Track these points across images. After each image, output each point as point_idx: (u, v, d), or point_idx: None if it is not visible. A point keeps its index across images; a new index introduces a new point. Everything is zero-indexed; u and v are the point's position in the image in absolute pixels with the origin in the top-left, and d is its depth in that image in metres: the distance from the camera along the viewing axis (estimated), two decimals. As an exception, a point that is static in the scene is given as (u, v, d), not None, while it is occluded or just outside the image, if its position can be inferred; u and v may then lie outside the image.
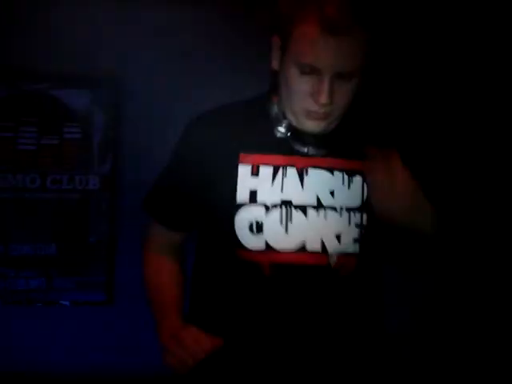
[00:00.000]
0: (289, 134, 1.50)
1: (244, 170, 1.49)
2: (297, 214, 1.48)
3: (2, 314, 3.30)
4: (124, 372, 3.34)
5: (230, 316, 1.56)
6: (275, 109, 1.53)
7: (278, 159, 1.49)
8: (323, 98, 1.37)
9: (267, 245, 1.48)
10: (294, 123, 1.50)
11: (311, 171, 1.50)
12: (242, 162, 1.50)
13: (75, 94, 3.39)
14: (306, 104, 1.42)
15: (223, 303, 1.58)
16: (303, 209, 1.48)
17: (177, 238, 1.73)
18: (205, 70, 3.52)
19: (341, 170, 1.52)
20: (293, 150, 1.51)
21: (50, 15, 3.39)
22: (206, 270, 1.65)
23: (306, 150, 1.50)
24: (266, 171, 1.49)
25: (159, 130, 3.47)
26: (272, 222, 1.48)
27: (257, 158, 1.49)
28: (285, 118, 1.52)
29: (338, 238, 1.50)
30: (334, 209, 1.49)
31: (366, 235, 1.52)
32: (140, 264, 3.22)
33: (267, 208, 1.48)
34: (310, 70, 1.38)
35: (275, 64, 1.48)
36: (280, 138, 1.51)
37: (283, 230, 1.47)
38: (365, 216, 1.51)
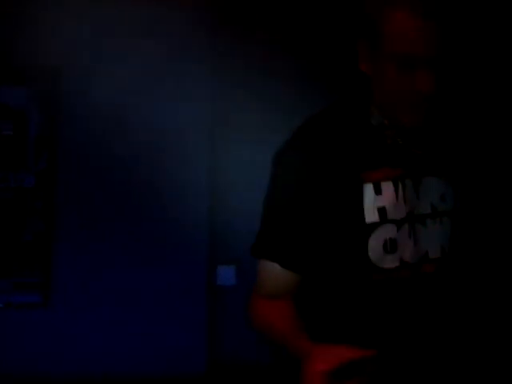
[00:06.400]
0: (399, 140, 1.48)
1: (368, 189, 1.46)
2: (419, 225, 1.49)
3: None
4: (58, 375, 3.26)
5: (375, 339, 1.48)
6: (377, 118, 1.50)
7: (394, 172, 1.47)
8: (428, 86, 1.37)
9: (401, 261, 1.47)
10: (391, 124, 1.48)
11: (423, 179, 1.50)
12: (364, 182, 1.46)
13: (11, 91, 3.31)
14: (407, 97, 1.40)
15: (361, 328, 1.51)
16: (423, 219, 1.49)
17: (293, 285, 1.51)
18: (146, 71, 3.49)
19: (443, 174, 1.53)
20: (401, 159, 1.49)
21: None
22: (332, 302, 1.54)
23: (415, 151, 1.49)
24: (387, 187, 1.46)
25: (97, 128, 3.42)
26: (403, 237, 1.47)
27: (375, 174, 1.46)
28: (386, 124, 1.49)
29: (452, 241, 1.53)
30: (447, 213, 1.52)
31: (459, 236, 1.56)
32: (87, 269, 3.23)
33: (397, 224, 1.47)
34: (406, 61, 1.37)
35: (366, 67, 1.46)
36: (387, 149, 1.48)
37: (412, 243, 1.48)
38: (460, 217, 1.54)
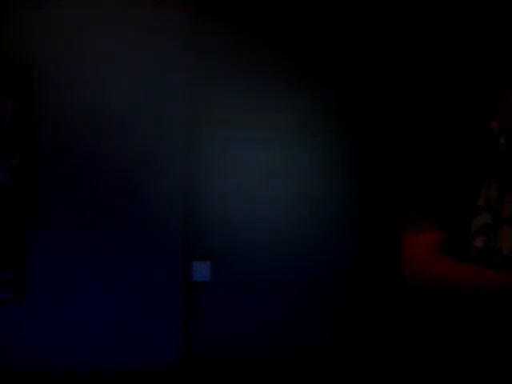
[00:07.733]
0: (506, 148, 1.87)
1: (484, 182, 1.86)
2: (501, 225, 1.85)
3: None
4: (31, 372, 3.24)
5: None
6: (496, 137, 1.89)
7: (500, 179, 1.87)
8: None
9: (486, 245, 1.83)
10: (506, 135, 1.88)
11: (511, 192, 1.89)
12: (483, 177, 1.87)
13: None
14: None
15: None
16: (504, 221, 1.85)
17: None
18: (122, 68, 3.48)
19: None
20: (505, 170, 1.87)
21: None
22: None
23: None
24: (494, 186, 1.87)
25: (71, 121, 3.40)
26: (493, 227, 1.84)
27: (490, 175, 1.87)
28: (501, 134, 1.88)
29: None
30: None
31: None
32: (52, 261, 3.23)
33: (493, 216, 1.85)
34: None
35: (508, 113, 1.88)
36: (500, 156, 1.87)
37: (496, 235, 1.84)
38: None
